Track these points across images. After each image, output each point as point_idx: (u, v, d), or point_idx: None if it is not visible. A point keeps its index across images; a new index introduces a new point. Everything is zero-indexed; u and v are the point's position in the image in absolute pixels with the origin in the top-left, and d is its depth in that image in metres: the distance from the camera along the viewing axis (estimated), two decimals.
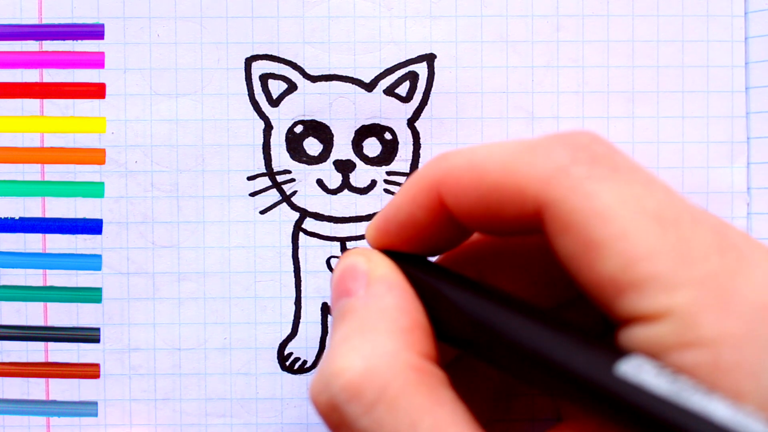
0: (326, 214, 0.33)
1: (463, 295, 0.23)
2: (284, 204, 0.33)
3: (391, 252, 0.25)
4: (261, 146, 0.33)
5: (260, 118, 0.33)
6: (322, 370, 0.23)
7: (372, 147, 0.33)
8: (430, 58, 0.33)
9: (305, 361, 0.33)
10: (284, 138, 0.33)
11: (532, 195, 0.22)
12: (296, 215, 0.33)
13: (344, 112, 0.33)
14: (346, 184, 0.33)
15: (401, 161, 0.33)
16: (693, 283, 0.20)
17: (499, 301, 0.23)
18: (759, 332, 0.20)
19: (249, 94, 0.33)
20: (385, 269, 0.24)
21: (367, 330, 0.23)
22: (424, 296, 0.24)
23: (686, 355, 0.20)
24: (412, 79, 0.33)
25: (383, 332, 0.23)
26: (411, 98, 0.33)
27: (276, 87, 0.33)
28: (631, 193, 0.21)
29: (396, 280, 0.24)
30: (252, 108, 0.33)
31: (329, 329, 0.33)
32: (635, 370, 0.20)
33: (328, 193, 0.33)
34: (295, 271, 0.33)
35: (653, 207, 0.21)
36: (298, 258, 0.33)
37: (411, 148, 0.33)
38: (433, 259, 0.26)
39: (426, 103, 0.33)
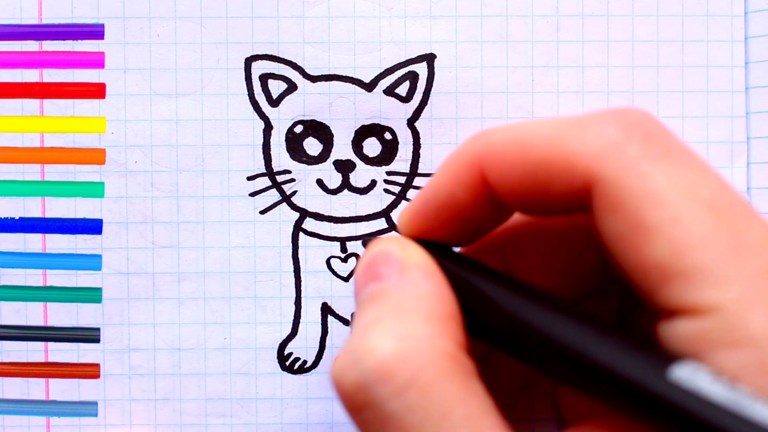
0: (326, 214, 0.33)
1: (498, 288, 0.22)
2: (284, 204, 0.33)
3: (422, 241, 0.24)
4: (261, 146, 0.33)
5: (260, 118, 0.33)
6: (351, 348, 0.21)
7: (372, 147, 0.33)
8: (430, 58, 0.33)
9: (305, 361, 0.33)
10: (284, 138, 0.33)
11: (581, 171, 0.21)
12: (296, 215, 0.33)
13: (344, 112, 0.33)
14: (346, 184, 0.33)
15: (401, 161, 0.33)
16: (744, 277, 0.19)
17: (537, 297, 0.22)
18: None
19: (249, 94, 0.33)
20: (420, 257, 0.23)
21: (402, 312, 0.22)
22: (457, 288, 0.23)
23: (732, 354, 0.19)
24: (412, 79, 0.33)
25: (419, 316, 0.22)
26: (411, 98, 0.33)
27: (276, 87, 0.33)
28: (685, 177, 0.20)
29: (432, 268, 0.23)
30: (252, 108, 0.33)
31: (329, 329, 0.33)
32: (690, 375, 0.19)
33: (328, 193, 0.33)
34: (295, 271, 0.33)
35: (707, 195, 0.20)
36: (298, 258, 0.33)
37: (411, 148, 0.33)
38: (457, 250, 0.26)
39: (426, 103, 0.33)
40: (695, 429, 0.18)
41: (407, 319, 0.21)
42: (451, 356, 0.21)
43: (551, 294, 0.22)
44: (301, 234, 0.33)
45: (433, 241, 0.24)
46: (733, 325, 0.19)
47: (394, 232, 0.33)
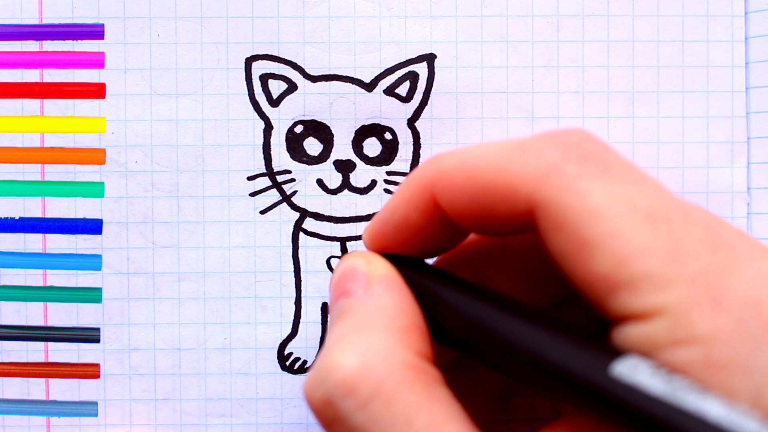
0: (326, 214, 0.33)
1: (459, 296, 0.23)
2: (284, 204, 0.33)
3: (390, 255, 0.26)
4: (261, 146, 0.33)
5: (260, 118, 0.33)
6: (317, 366, 0.23)
7: (372, 147, 0.33)
8: (430, 58, 0.33)
9: (305, 361, 0.33)
10: (284, 138, 0.33)
11: (523, 194, 0.22)
12: (296, 215, 0.33)
13: (344, 112, 0.33)
14: (346, 184, 0.33)
15: (401, 161, 0.33)
16: (684, 280, 0.20)
17: (495, 302, 0.23)
18: (750, 328, 0.20)
19: (249, 94, 0.33)
20: (385, 270, 0.25)
21: (363, 328, 0.23)
22: (421, 298, 0.24)
23: (678, 352, 0.20)
24: (412, 79, 0.33)
25: (380, 330, 0.23)
26: (411, 98, 0.33)
27: (276, 87, 0.33)
28: (622, 191, 0.21)
29: (394, 281, 0.24)
30: (252, 108, 0.33)
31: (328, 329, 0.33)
32: (630, 370, 0.20)
33: (328, 193, 0.33)
34: (295, 271, 0.33)
35: (644, 205, 0.21)
36: (298, 258, 0.33)
37: (411, 148, 0.33)
38: (430, 261, 0.27)
39: (426, 103, 0.33)
40: (636, 420, 0.19)
41: (368, 334, 0.23)
42: (412, 366, 0.22)
43: (510, 299, 0.23)
44: (301, 234, 0.33)
45: (401, 255, 0.26)
46: (677, 325, 0.20)
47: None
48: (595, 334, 0.23)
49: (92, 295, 0.33)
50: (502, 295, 0.24)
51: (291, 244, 0.33)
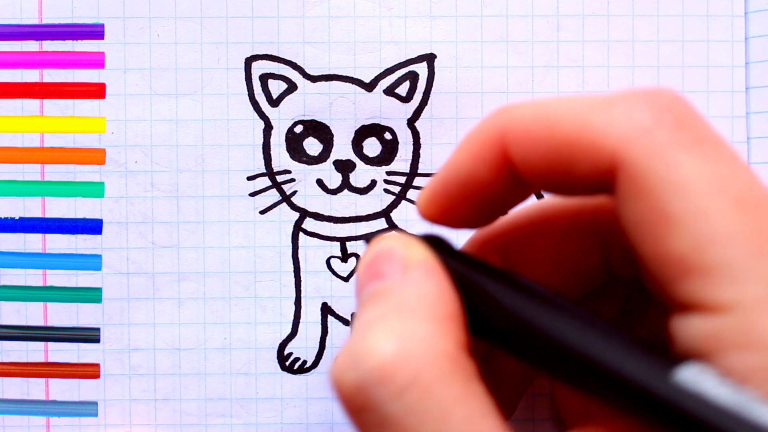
0: (326, 214, 0.33)
1: (502, 288, 0.22)
2: (284, 204, 0.33)
3: (426, 237, 0.24)
4: (261, 146, 0.33)
5: (260, 118, 0.33)
6: (351, 348, 0.21)
7: (372, 147, 0.33)
8: (430, 58, 0.33)
9: (305, 361, 0.33)
10: (284, 138, 0.33)
11: (608, 153, 0.20)
12: (296, 215, 0.33)
13: (344, 112, 0.33)
14: (346, 184, 0.33)
15: (401, 161, 0.33)
16: (765, 278, 0.18)
17: (541, 297, 0.22)
18: None
19: (249, 94, 0.33)
20: (423, 256, 0.23)
21: (404, 312, 0.21)
22: (459, 287, 0.23)
23: (743, 356, 0.18)
24: (412, 79, 0.33)
25: (421, 317, 0.21)
26: (411, 98, 0.33)
27: (276, 87, 0.33)
28: (714, 169, 0.19)
29: (434, 267, 0.23)
30: (252, 108, 0.33)
31: (329, 329, 0.33)
32: (695, 377, 0.18)
33: (328, 193, 0.33)
34: (295, 271, 0.33)
35: (736, 189, 0.19)
36: (298, 258, 0.33)
37: (411, 148, 0.33)
38: (458, 246, 0.25)
39: (426, 103, 0.33)
40: (698, 431, 0.18)
41: (408, 320, 0.21)
42: (452, 357, 0.21)
43: (555, 293, 0.22)
44: (301, 234, 0.33)
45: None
46: (749, 326, 0.18)
47: (394, 231, 0.33)
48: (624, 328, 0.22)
49: (92, 295, 0.33)
50: (547, 290, 0.22)
51: (291, 244, 0.33)
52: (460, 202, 0.23)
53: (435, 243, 0.24)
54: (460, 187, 0.23)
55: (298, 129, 0.33)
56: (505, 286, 0.22)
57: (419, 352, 0.20)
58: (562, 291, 0.25)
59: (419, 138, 0.33)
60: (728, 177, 0.19)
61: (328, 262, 0.33)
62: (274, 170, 0.33)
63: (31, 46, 0.33)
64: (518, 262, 0.25)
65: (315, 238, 0.33)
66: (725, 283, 0.19)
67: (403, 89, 0.33)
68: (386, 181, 0.33)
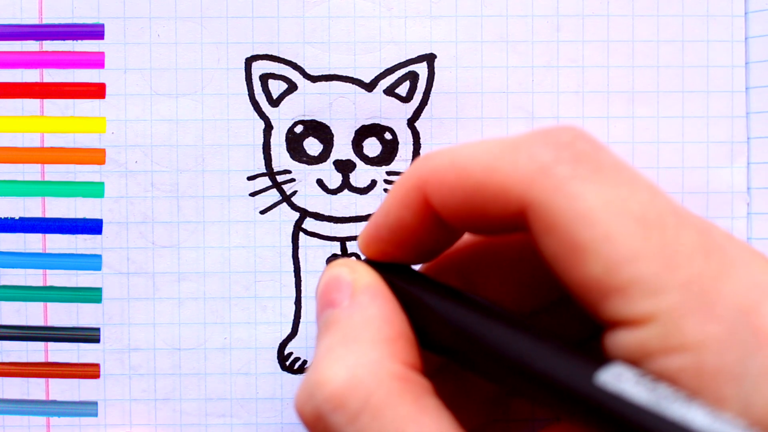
0: (326, 214, 0.33)
1: (445, 303, 0.23)
2: (284, 204, 0.33)
3: (375, 263, 0.25)
4: (261, 146, 0.33)
5: (260, 118, 0.33)
6: (307, 380, 0.23)
7: (372, 147, 0.33)
8: (430, 58, 0.33)
9: (305, 361, 0.33)
10: (284, 138, 0.33)
11: (515, 195, 0.22)
12: (296, 215, 0.33)
13: (344, 112, 0.33)
14: (346, 184, 0.33)
15: (401, 161, 0.33)
16: (677, 287, 0.20)
17: (481, 309, 0.23)
18: (741, 336, 0.20)
19: (249, 94, 0.33)
20: (369, 279, 0.24)
21: (350, 340, 0.23)
22: (408, 306, 0.24)
23: (670, 360, 0.20)
24: (412, 79, 0.33)
25: (367, 342, 0.23)
26: (411, 98, 0.33)
27: (276, 87, 0.33)
28: (614, 193, 0.21)
29: (380, 290, 0.24)
30: (252, 108, 0.33)
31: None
32: (615, 378, 0.20)
33: (328, 193, 0.33)
34: (295, 271, 0.33)
35: (637, 208, 0.21)
36: (298, 258, 0.33)
37: (411, 148, 0.33)
38: (417, 267, 0.26)
39: (426, 103, 0.33)
40: (620, 428, 0.19)
41: (355, 346, 0.23)
42: (401, 377, 0.22)
43: (497, 306, 0.23)
44: (301, 234, 0.33)
45: (391, 262, 0.25)
46: (669, 333, 0.20)
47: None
48: (586, 339, 0.23)
49: (92, 295, 0.33)
50: (488, 302, 0.23)
51: (291, 244, 0.33)
52: (395, 245, 0.25)
53: (388, 265, 0.25)
54: (390, 231, 0.25)
55: (299, 129, 0.33)
56: (447, 301, 0.24)
57: (367, 377, 0.22)
58: (521, 307, 0.26)
59: (419, 138, 0.33)
60: (628, 199, 0.21)
61: (328, 262, 0.33)
62: (275, 170, 0.33)
63: (31, 46, 0.33)
64: (476, 282, 0.26)
65: (315, 238, 0.33)
66: (641, 297, 0.20)
67: (403, 89, 0.33)
68: (386, 181, 0.33)
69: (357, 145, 0.33)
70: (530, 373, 0.21)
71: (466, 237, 0.26)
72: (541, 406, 0.22)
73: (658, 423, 0.19)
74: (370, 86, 0.33)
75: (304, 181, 0.33)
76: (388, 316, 0.23)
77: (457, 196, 0.23)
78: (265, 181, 0.33)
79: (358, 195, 0.33)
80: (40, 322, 0.33)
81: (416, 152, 0.33)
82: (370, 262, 0.26)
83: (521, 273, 0.26)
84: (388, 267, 0.25)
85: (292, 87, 0.33)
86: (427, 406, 0.22)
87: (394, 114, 0.33)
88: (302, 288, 0.33)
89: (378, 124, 0.33)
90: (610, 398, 0.20)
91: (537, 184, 0.21)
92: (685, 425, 0.19)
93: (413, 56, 0.33)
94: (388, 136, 0.33)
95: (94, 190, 0.33)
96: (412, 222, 0.24)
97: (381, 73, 0.33)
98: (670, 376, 0.20)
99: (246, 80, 0.33)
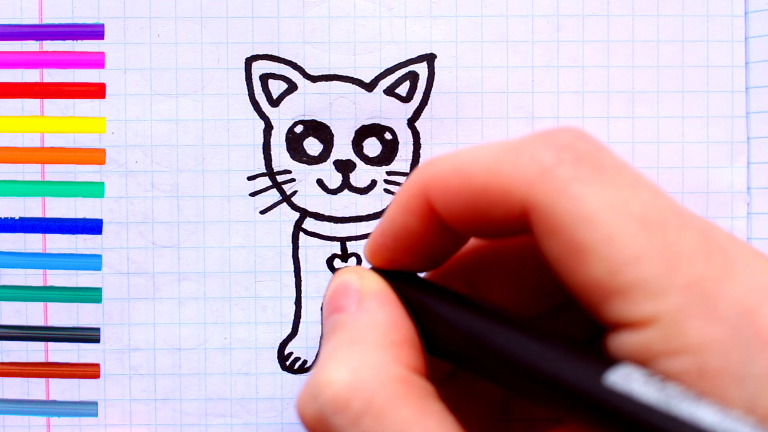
0: (326, 214, 0.33)
1: (452, 309, 0.23)
2: (284, 204, 0.33)
3: (382, 271, 0.26)
4: (261, 146, 0.33)
5: (260, 118, 0.33)
6: (310, 382, 0.23)
7: (372, 147, 0.33)
8: (430, 58, 0.33)
9: (305, 361, 0.33)
10: (284, 138, 0.33)
11: (517, 198, 0.22)
12: (296, 215, 0.33)
13: (344, 112, 0.33)
14: (346, 184, 0.33)
15: (401, 161, 0.33)
16: (679, 288, 0.20)
17: (488, 314, 0.23)
18: (744, 337, 0.20)
19: (249, 94, 0.33)
20: (377, 286, 0.25)
21: (355, 343, 0.23)
22: (414, 312, 0.24)
23: (673, 361, 0.20)
24: (412, 79, 0.33)
25: (371, 345, 0.23)
26: (411, 98, 0.33)
27: (276, 87, 0.33)
28: (616, 195, 0.21)
29: (387, 296, 0.24)
30: (252, 108, 0.33)
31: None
32: (624, 378, 0.20)
33: (328, 193, 0.33)
34: (295, 271, 0.33)
35: (639, 210, 0.21)
36: (298, 258, 0.33)
37: (411, 148, 0.33)
38: (422, 274, 0.27)
39: (426, 103, 0.33)
40: (630, 428, 0.19)
41: (360, 349, 0.23)
42: (404, 380, 0.22)
43: (503, 310, 0.23)
44: (301, 234, 0.33)
45: (397, 269, 0.26)
46: (671, 335, 0.20)
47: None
48: (589, 342, 0.23)
49: (92, 295, 0.33)
50: (494, 307, 0.24)
51: (291, 244, 0.33)
52: (399, 252, 0.25)
53: (395, 273, 0.25)
54: (396, 238, 0.25)
55: (299, 129, 0.33)
56: (454, 306, 0.24)
57: (371, 379, 0.22)
58: (526, 310, 0.26)
59: (419, 138, 0.33)
60: (630, 200, 0.21)
61: (328, 262, 0.33)
62: (275, 170, 0.33)
63: (31, 46, 0.33)
64: (481, 287, 0.26)
65: (315, 238, 0.33)
66: (643, 299, 0.20)
67: (403, 89, 0.33)
68: (386, 181, 0.33)
69: (357, 145, 0.33)
70: (539, 375, 0.21)
71: (470, 243, 0.26)
72: (549, 408, 0.22)
73: (669, 422, 0.19)
74: (370, 86, 0.33)
75: (304, 181, 0.33)
76: (394, 321, 0.24)
77: (460, 200, 0.23)
78: (265, 181, 0.33)
79: (358, 195, 0.33)
80: (40, 322, 0.33)
81: (416, 152, 0.33)
82: (379, 270, 0.26)
83: (525, 277, 0.26)
84: (395, 275, 0.25)
85: (292, 87, 0.33)
86: (430, 410, 0.21)
87: (394, 114, 0.33)
88: (302, 288, 0.33)
89: (378, 124, 0.33)
90: (619, 398, 0.20)
91: (539, 186, 0.21)
92: (695, 424, 0.19)
93: (413, 56, 0.33)
94: (388, 136, 0.33)
95: (94, 190, 0.33)
96: (417, 228, 0.24)
97: (381, 73, 0.33)
98: (673, 378, 0.20)
99: (246, 80, 0.33)
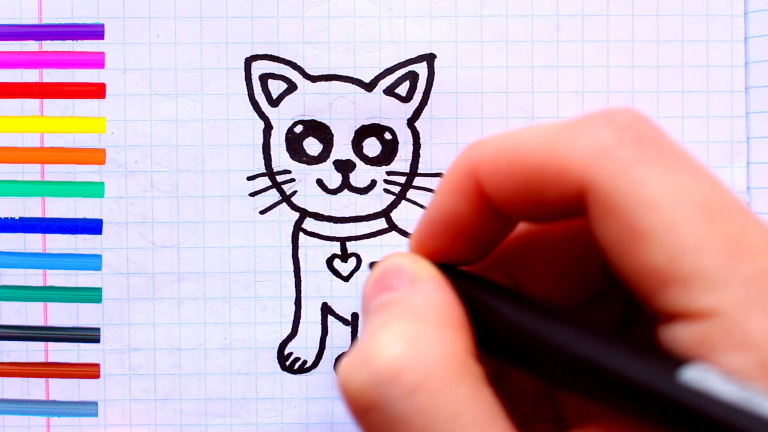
0: (326, 214, 0.33)
1: (507, 304, 0.23)
2: (284, 204, 0.33)
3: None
4: (261, 146, 0.33)
5: (260, 118, 0.33)
6: (360, 350, 0.21)
7: (372, 147, 0.33)
8: (430, 58, 0.33)
9: (305, 361, 0.33)
10: (284, 138, 0.33)
11: (574, 177, 0.21)
12: (296, 215, 0.33)
13: (344, 112, 0.33)
14: (346, 184, 0.33)
15: (401, 161, 0.33)
16: (742, 281, 0.19)
17: (546, 311, 0.22)
18: None
19: (249, 94, 0.33)
20: (430, 271, 0.24)
21: (413, 316, 0.22)
22: (466, 304, 0.23)
23: (734, 356, 0.19)
24: (412, 79, 0.33)
25: (430, 322, 0.22)
26: (411, 98, 0.33)
27: (276, 87, 0.33)
28: (679, 181, 0.20)
29: (442, 281, 0.23)
30: (252, 108, 0.33)
31: (329, 329, 0.33)
32: (700, 376, 0.19)
33: (328, 193, 0.33)
34: (295, 271, 0.33)
35: (702, 198, 0.20)
36: (298, 258, 0.33)
37: (411, 148, 0.33)
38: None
39: (426, 103, 0.33)
40: (708, 428, 0.19)
41: (417, 323, 0.22)
42: (461, 361, 0.21)
43: (557, 306, 0.23)
44: (301, 234, 0.33)
45: (443, 262, 0.25)
46: (732, 329, 0.19)
47: (395, 235, 0.33)
48: (622, 332, 0.22)
49: (92, 295, 0.33)
50: (547, 302, 0.23)
51: (291, 244, 0.33)
52: (449, 240, 0.24)
53: (440, 264, 0.24)
54: (444, 224, 0.24)
55: (298, 129, 0.33)
56: (508, 301, 0.23)
57: (428, 354, 0.21)
58: (565, 299, 0.25)
59: (419, 138, 0.33)
60: (692, 187, 0.20)
61: (329, 261, 0.33)
62: (274, 170, 0.33)
63: (30, 46, 0.33)
64: (521, 278, 0.26)
65: (315, 238, 0.33)
66: (703, 290, 0.19)
67: (403, 89, 0.33)
68: (386, 181, 0.33)
69: (357, 145, 0.33)
70: (606, 374, 0.20)
71: (510, 234, 0.26)
72: (607, 407, 0.21)
73: (753, 422, 0.18)
74: (369, 86, 0.33)
75: (304, 181, 0.33)
76: (451, 304, 0.23)
77: (512, 182, 0.22)
78: (265, 181, 0.33)
79: (357, 195, 0.33)
80: (40, 322, 0.33)
81: (416, 152, 0.33)
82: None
83: (564, 267, 0.25)
84: (442, 267, 0.24)
85: (291, 87, 0.33)
86: (483, 393, 0.21)
87: (393, 114, 0.33)
88: (302, 288, 0.33)
89: (378, 124, 0.33)
90: (698, 397, 0.19)
91: (597, 166, 0.20)
92: None
93: (413, 56, 0.33)
94: (387, 136, 0.33)
95: (94, 190, 0.33)
96: (467, 212, 0.23)
97: (381, 73, 0.33)
98: (732, 374, 0.19)
99: (246, 80, 0.33)
